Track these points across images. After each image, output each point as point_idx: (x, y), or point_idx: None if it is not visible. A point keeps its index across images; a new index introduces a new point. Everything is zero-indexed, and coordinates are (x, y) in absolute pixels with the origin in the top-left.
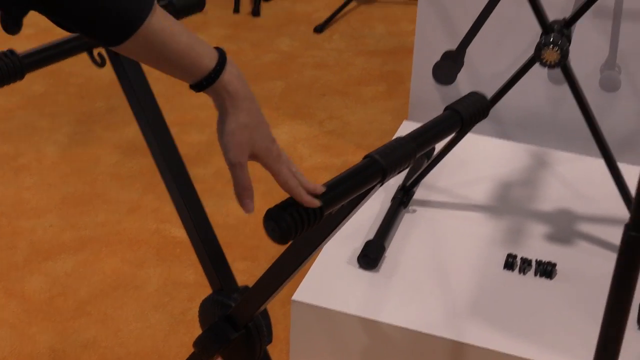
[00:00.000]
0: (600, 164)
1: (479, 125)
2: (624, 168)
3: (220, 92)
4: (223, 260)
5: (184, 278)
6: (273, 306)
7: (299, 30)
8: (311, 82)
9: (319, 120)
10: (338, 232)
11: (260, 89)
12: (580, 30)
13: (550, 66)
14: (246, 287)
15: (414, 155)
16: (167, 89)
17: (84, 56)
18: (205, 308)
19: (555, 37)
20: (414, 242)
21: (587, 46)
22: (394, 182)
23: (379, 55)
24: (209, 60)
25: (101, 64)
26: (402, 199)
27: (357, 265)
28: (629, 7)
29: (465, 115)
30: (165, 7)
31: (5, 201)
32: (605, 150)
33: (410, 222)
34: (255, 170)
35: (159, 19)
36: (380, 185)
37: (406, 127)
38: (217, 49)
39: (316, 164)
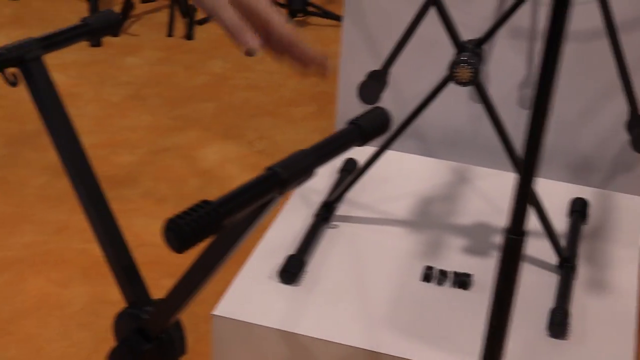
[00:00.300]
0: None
1: (403, 143)
2: (543, 183)
3: None
4: (136, 274)
5: (109, 297)
6: (198, 322)
7: (231, 53)
8: (242, 103)
9: (248, 141)
10: (261, 248)
11: (192, 110)
12: (499, 50)
13: (464, 84)
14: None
15: (313, 168)
16: (98, 111)
17: None
18: (119, 321)
19: (467, 55)
20: (334, 257)
21: (505, 65)
22: (318, 198)
23: (310, 77)
24: None
25: (13, 84)
26: (324, 215)
27: (278, 280)
28: (544, 27)
29: (366, 128)
30: (81, 27)
31: None
32: (518, 165)
33: (331, 238)
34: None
35: None
36: (281, 196)
37: None
38: None
39: None
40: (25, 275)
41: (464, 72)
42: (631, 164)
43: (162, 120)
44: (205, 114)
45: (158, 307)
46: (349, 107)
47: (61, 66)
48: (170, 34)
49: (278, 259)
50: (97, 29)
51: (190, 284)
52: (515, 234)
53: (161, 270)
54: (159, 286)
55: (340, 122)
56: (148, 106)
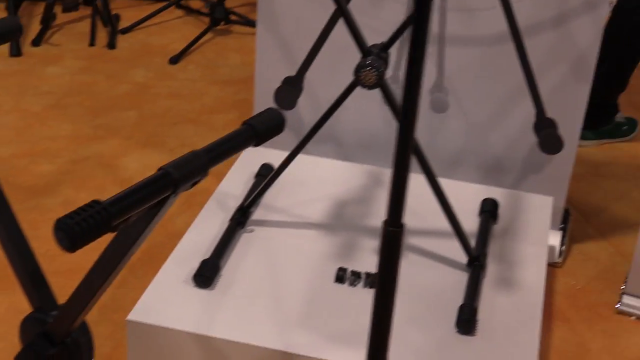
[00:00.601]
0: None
1: (320, 148)
2: (455, 184)
3: None
4: (42, 279)
5: (25, 306)
6: (115, 329)
7: (154, 62)
8: (164, 111)
9: (170, 148)
10: (176, 253)
11: (113, 119)
12: (406, 53)
13: (369, 87)
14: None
15: (207, 168)
16: (18, 121)
17: None
18: (25, 326)
19: (372, 59)
20: (249, 261)
21: None
22: (234, 203)
23: (232, 84)
24: None
25: None
26: (240, 220)
27: (193, 284)
28: (451, 32)
29: (260, 129)
30: None
31: None
32: (426, 166)
33: (247, 242)
34: None
35: None
36: (175, 196)
37: (250, 152)
38: None
39: None
40: None
41: (369, 76)
42: (540, 165)
43: (83, 129)
44: (126, 123)
45: (62, 311)
46: (265, 107)
47: None
48: (92, 44)
49: (193, 264)
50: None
51: (92, 286)
52: (393, 226)
53: (81, 277)
54: None
55: None
56: (69, 115)
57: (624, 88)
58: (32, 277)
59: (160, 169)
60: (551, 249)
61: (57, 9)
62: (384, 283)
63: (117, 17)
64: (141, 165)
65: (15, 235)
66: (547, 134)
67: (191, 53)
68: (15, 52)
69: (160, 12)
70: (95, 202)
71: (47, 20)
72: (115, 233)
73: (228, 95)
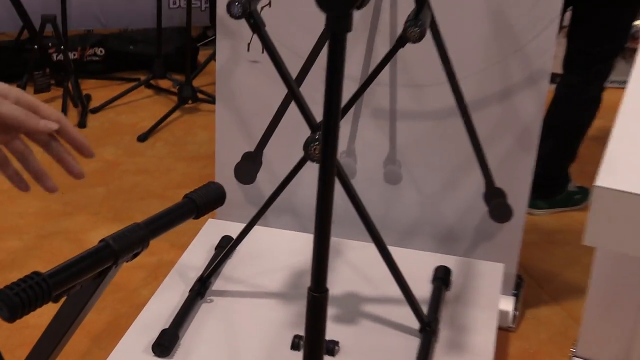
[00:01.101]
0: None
1: (280, 220)
2: (409, 253)
3: None
4: None
5: None
6: None
7: (123, 140)
8: (131, 187)
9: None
10: (137, 323)
11: (82, 195)
12: (363, 129)
13: (318, 161)
14: None
15: (147, 240)
16: None
17: None
18: None
19: (320, 134)
20: (208, 330)
21: (370, 143)
22: (195, 274)
23: (199, 160)
24: None
25: None
26: (199, 290)
27: (152, 353)
28: (402, 107)
29: (200, 202)
30: None
31: None
32: (376, 236)
33: (206, 311)
34: None
35: None
36: (116, 267)
37: (211, 225)
38: None
39: (131, 264)
40: None
41: (317, 150)
42: (491, 233)
43: (51, 206)
44: (95, 199)
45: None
46: (227, 187)
47: None
48: None
49: (154, 333)
50: None
51: (42, 354)
52: (317, 292)
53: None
54: None
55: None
56: (38, 192)
57: (573, 159)
58: None
59: (101, 241)
60: (504, 314)
61: (30, 90)
62: (311, 346)
63: (87, 97)
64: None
65: None
66: (496, 203)
67: (160, 130)
68: None
69: (130, 91)
70: (35, 274)
71: None
72: (60, 302)
73: (195, 171)
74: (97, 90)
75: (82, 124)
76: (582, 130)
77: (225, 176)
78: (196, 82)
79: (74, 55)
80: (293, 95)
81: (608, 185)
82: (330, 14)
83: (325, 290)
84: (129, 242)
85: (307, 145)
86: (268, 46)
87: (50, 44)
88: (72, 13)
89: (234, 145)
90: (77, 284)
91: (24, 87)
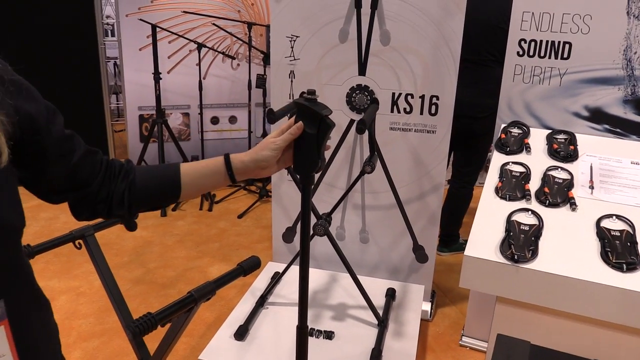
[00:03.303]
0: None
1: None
2: (373, 280)
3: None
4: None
5: None
6: None
7: (230, 217)
8: (232, 242)
9: (234, 262)
10: (229, 320)
11: (207, 248)
12: (349, 214)
13: (320, 235)
14: None
15: (214, 291)
16: (160, 248)
17: None
18: None
19: (321, 222)
20: (264, 326)
21: (352, 222)
22: (259, 292)
23: (267, 229)
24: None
25: (79, 248)
26: (261, 302)
27: (234, 338)
28: (368, 204)
29: (246, 267)
30: None
31: None
32: (351, 271)
33: (264, 315)
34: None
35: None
36: (197, 307)
37: (270, 265)
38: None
39: (228, 286)
40: None
41: (319, 230)
42: (417, 269)
43: (191, 253)
44: (213, 249)
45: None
46: (278, 244)
47: None
48: (200, 208)
49: (235, 326)
50: None
51: (158, 356)
52: (302, 328)
53: None
54: None
55: (276, 254)
56: (185, 244)
57: (460, 225)
58: None
59: (188, 292)
60: (425, 312)
61: None
62: None
63: (213, 195)
64: (217, 271)
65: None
66: (419, 253)
67: (249, 212)
68: (163, 214)
69: (235, 192)
70: (148, 313)
71: None
72: (166, 327)
73: (265, 234)
74: (219, 192)
75: (210, 209)
76: (464, 210)
77: (278, 238)
78: (269, 187)
79: None
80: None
81: (471, 254)
82: (302, 176)
83: (306, 327)
84: (203, 293)
85: (314, 227)
86: (293, 176)
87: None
88: (208, 152)
89: (282, 222)
90: (174, 317)
91: None
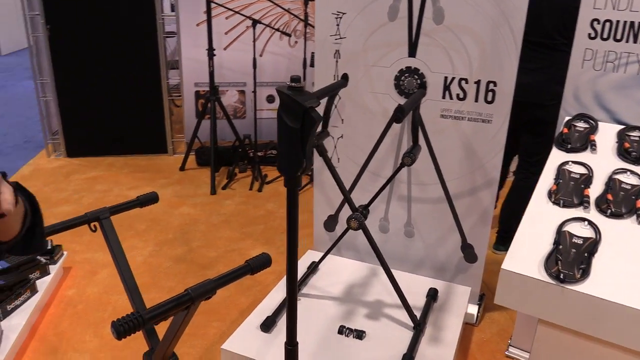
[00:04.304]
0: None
1: (348, 253)
2: (415, 277)
3: None
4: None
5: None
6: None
7: (279, 199)
8: (278, 225)
9: (277, 247)
10: (257, 311)
11: (252, 230)
12: (393, 207)
13: (354, 229)
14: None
15: (214, 290)
16: (205, 228)
17: None
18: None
19: (355, 215)
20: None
21: (396, 214)
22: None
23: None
24: None
25: (94, 231)
26: None
27: (260, 329)
28: (414, 196)
29: (255, 265)
30: (134, 201)
31: None
32: (386, 266)
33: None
34: None
35: None
36: (195, 306)
37: (309, 254)
38: None
39: (266, 271)
40: None
41: (353, 223)
42: (464, 269)
43: (235, 234)
44: (258, 232)
45: (156, 349)
46: (320, 232)
47: None
48: (250, 189)
49: (263, 317)
50: (143, 201)
51: (169, 336)
52: (291, 345)
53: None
54: None
55: (316, 239)
56: (231, 225)
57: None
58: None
59: (185, 290)
60: (471, 315)
61: (237, 170)
62: None
63: (265, 176)
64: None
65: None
66: (468, 252)
67: (299, 195)
68: (213, 192)
69: None
70: (137, 312)
71: (231, 176)
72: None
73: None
74: (270, 172)
75: (260, 190)
76: (526, 203)
77: (319, 226)
78: None
79: (261, 153)
80: (343, 192)
81: (509, 268)
82: (285, 176)
83: (296, 344)
84: (201, 292)
85: (348, 219)
86: (329, 164)
87: (247, 148)
88: (262, 131)
89: (324, 210)
90: (166, 316)
91: (234, 169)
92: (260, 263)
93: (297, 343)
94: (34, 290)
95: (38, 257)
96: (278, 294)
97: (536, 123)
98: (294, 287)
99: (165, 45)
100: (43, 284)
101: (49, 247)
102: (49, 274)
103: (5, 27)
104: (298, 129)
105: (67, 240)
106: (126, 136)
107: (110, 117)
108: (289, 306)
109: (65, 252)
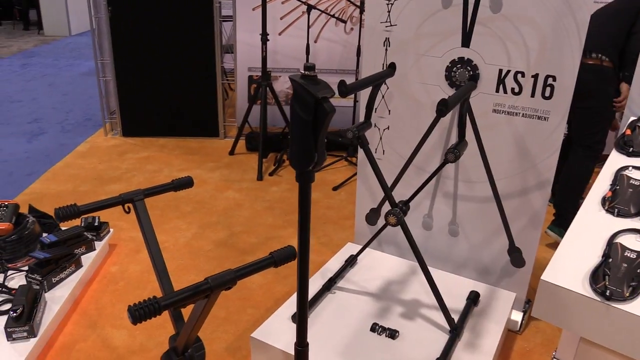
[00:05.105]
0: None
1: (389, 248)
2: (457, 278)
3: None
4: (181, 317)
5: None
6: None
7: (325, 188)
8: (321, 215)
9: (317, 237)
10: (289, 301)
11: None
12: (438, 203)
13: (392, 225)
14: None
15: (235, 281)
16: (248, 214)
17: None
18: (169, 344)
19: (394, 210)
20: (326, 311)
21: (441, 211)
22: (330, 275)
23: None
24: None
25: (127, 212)
26: (328, 286)
27: (291, 320)
28: (460, 193)
29: (279, 258)
30: (169, 184)
31: None
32: (424, 265)
33: (329, 300)
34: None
35: None
36: (215, 295)
37: (348, 246)
38: None
39: None
40: None
41: (391, 219)
42: (511, 273)
43: (277, 221)
44: None
45: (180, 335)
46: (361, 225)
47: None
48: None
49: (294, 309)
50: (177, 185)
51: (191, 323)
52: (301, 346)
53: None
54: None
55: (357, 234)
56: (274, 212)
57: (575, 204)
58: (177, 316)
59: (205, 279)
60: (515, 323)
61: (285, 157)
62: None
63: None
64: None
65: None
66: (515, 256)
67: (346, 185)
68: (259, 178)
69: (335, 162)
70: (154, 297)
71: (279, 162)
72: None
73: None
74: None
75: None
76: (579, 182)
77: (361, 219)
78: None
79: None
80: (383, 186)
81: (549, 279)
82: (297, 170)
83: (306, 345)
84: (221, 282)
85: (386, 215)
86: (369, 156)
87: None
88: None
89: (366, 202)
90: (184, 304)
91: (282, 155)
92: (285, 256)
93: (308, 344)
94: (78, 265)
95: (85, 233)
96: (313, 285)
97: (577, 92)
98: (305, 286)
99: (221, 29)
100: (88, 259)
101: (96, 224)
102: (94, 249)
103: (76, 8)
104: (310, 120)
105: (114, 218)
106: (180, 118)
107: (165, 99)
108: (300, 307)
109: (111, 230)
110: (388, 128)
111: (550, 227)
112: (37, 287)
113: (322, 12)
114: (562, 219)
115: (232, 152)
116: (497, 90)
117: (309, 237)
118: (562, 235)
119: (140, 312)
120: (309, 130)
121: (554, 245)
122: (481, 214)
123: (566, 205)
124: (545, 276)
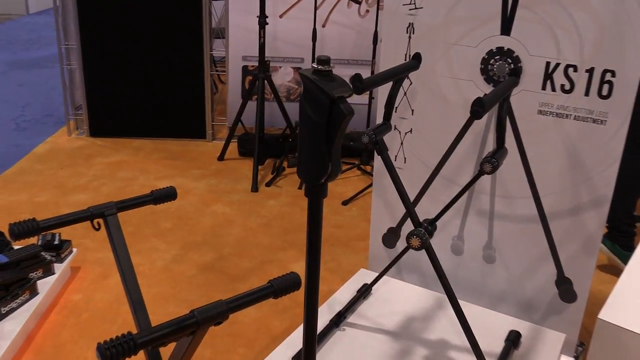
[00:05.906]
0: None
1: (411, 276)
2: (494, 315)
3: None
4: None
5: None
6: None
7: (333, 202)
8: (328, 236)
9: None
10: (288, 340)
11: (295, 237)
12: (470, 222)
13: (416, 249)
14: None
15: (227, 314)
16: (239, 233)
17: None
18: None
19: (417, 231)
20: (335, 353)
21: (474, 232)
22: (339, 308)
23: None
24: None
25: (97, 229)
26: (336, 321)
27: None
28: (498, 211)
29: (279, 287)
30: (147, 196)
31: None
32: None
33: (337, 338)
34: None
35: None
36: (202, 330)
37: (361, 273)
38: None
39: None
40: None
41: (415, 241)
42: (559, 309)
43: (276, 242)
44: (302, 241)
45: None
46: (376, 248)
47: None
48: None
49: (297, 348)
50: (158, 197)
51: None
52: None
53: None
54: None
55: (371, 258)
56: (271, 231)
57: (629, 216)
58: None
59: (190, 311)
60: None
61: (285, 164)
62: None
63: None
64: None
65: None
66: (564, 289)
67: (358, 198)
68: (254, 189)
69: (347, 171)
70: (129, 334)
71: (278, 170)
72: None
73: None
74: None
75: None
76: (634, 189)
77: (377, 240)
78: None
79: None
80: (404, 202)
81: (607, 318)
82: (306, 183)
83: None
84: (210, 316)
85: (408, 237)
86: (388, 165)
87: None
88: None
89: (383, 221)
90: (166, 341)
91: (281, 162)
92: (287, 285)
93: None
94: (34, 292)
95: (42, 253)
96: (319, 320)
97: None
98: (314, 323)
99: (210, 10)
100: (45, 285)
101: (56, 242)
102: (53, 273)
103: None
104: (323, 124)
105: (78, 235)
106: (159, 116)
107: (142, 93)
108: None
109: (75, 249)
110: (411, 131)
111: (603, 240)
112: None
113: None
114: (615, 231)
115: (221, 158)
116: (544, 88)
117: (319, 264)
118: (615, 250)
119: (112, 352)
120: (322, 135)
121: (611, 270)
122: (523, 236)
123: (617, 212)
124: (603, 314)
